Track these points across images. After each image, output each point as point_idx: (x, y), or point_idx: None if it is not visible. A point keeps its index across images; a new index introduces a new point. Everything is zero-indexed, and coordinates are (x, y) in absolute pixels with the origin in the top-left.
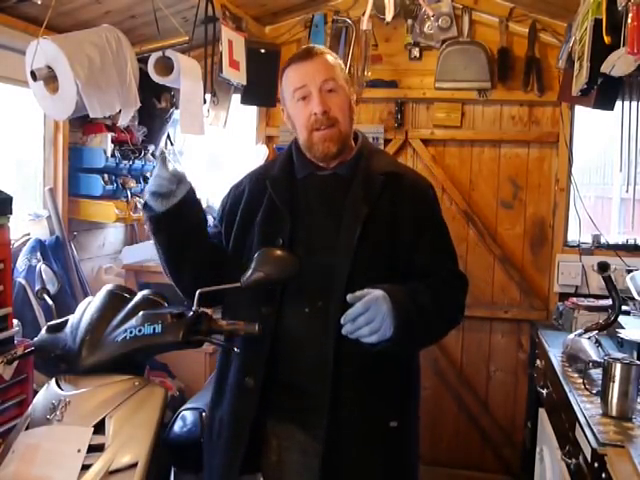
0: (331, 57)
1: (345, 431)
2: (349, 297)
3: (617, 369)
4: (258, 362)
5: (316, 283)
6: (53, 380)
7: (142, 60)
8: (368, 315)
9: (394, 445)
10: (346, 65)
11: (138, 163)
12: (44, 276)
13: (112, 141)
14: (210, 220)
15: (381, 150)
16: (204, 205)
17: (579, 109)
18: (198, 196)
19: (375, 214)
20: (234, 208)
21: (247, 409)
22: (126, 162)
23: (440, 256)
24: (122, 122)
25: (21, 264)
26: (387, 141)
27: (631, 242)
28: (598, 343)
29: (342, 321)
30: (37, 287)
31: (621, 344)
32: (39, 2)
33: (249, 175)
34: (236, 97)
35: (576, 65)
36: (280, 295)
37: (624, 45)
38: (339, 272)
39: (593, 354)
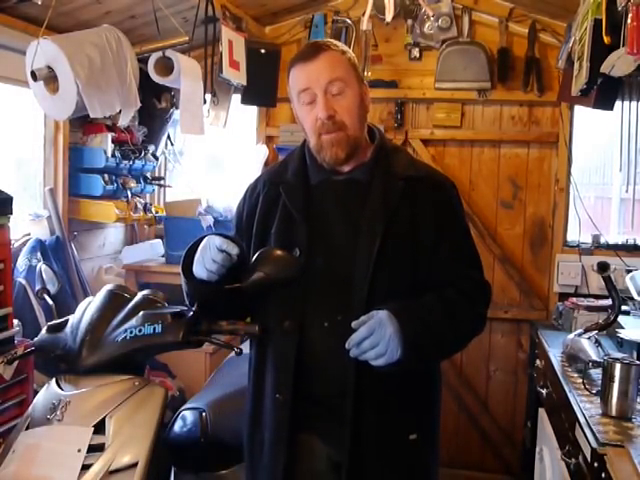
0: (339, 51)
1: (365, 444)
2: (353, 324)
3: (617, 369)
4: (286, 378)
5: (335, 296)
6: (53, 380)
7: (142, 60)
8: (372, 339)
9: (414, 458)
10: None
11: (138, 163)
12: (44, 276)
13: (112, 141)
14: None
15: (400, 148)
16: (204, 205)
17: (579, 109)
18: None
19: (395, 223)
20: (251, 215)
21: (282, 426)
22: (126, 162)
23: (461, 264)
24: (122, 122)
25: (21, 264)
26: (392, 141)
27: (631, 242)
28: (598, 343)
29: (347, 346)
30: (37, 287)
31: (621, 344)
32: (39, 2)
33: (263, 179)
34: (236, 97)
35: (576, 65)
36: (302, 309)
37: (624, 45)
38: (358, 286)
39: (593, 354)
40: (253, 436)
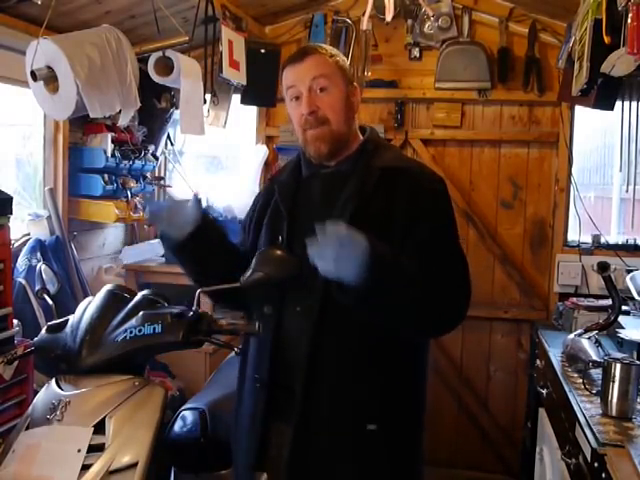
0: (327, 55)
1: (315, 430)
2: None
3: (617, 369)
4: (262, 360)
5: (308, 281)
6: (53, 380)
7: (142, 60)
8: (333, 229)
9: (370, 449)
10: None
11: (138, 163)
12: (44, 276)
13: (112, 141)
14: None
15: (389, 145)
16: (204, 205)
17: (579, 109)
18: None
19: (367, 210)
20: (252, 214)
21: (258, 408)
22: (126, 162)
23: (433, 257)
24: (122, 122)
25: (21, 264)
26: (387, 141)
27: (631, 242)
28: (598, 343)
29: (306, 241)
30: (37, 287)
31: (621, 344)
32: (39, 2)
33: (267, 182)
34: (236, 97)
35: (576, 65)
36: (281, 294)
37: (624, 45)
38: None
39: (593, 354)
40: (237, 411)
